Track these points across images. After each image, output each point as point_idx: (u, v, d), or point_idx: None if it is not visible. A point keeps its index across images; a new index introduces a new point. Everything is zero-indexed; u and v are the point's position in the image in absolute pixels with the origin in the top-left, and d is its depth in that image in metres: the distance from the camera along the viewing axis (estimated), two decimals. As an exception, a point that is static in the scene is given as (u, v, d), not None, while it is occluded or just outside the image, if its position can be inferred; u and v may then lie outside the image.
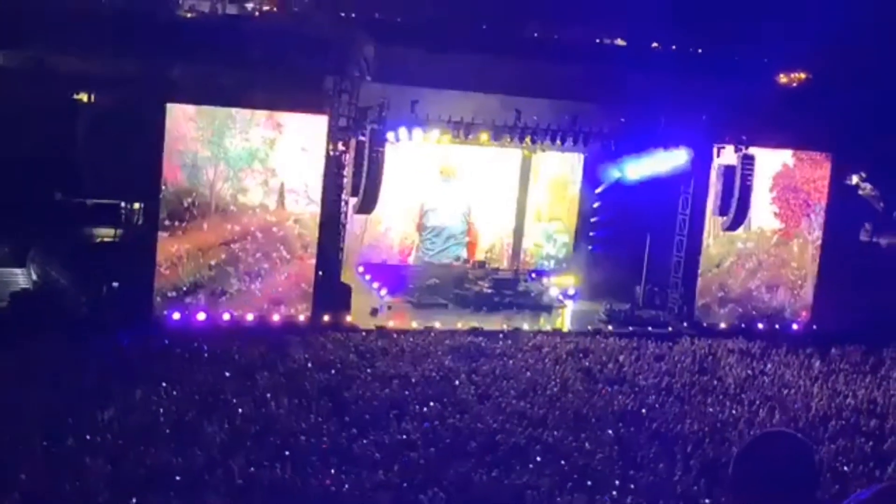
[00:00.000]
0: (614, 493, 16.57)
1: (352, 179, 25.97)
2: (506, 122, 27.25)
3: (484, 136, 27.38)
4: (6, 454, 15.98)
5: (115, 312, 23.14)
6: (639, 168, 29.24)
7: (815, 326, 30.24)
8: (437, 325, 26.96)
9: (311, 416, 18.87)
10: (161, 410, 18.57)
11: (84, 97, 27.80)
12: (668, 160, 28.97)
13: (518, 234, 32.21)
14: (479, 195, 31.23)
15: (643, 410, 21.15)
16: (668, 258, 30.00)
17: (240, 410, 18.99)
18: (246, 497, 15.51)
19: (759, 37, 30.52)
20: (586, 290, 31.27)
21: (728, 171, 28.75)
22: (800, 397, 22.97)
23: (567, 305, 30.76)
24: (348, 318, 26.29)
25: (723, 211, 29.00)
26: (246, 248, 25.48)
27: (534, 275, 31.55)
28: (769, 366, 25.55)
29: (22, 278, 25.16)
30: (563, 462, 17.76)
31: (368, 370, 22.28)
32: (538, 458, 17.87)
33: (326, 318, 25.96)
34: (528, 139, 27.74)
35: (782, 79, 34.45)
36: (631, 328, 28.40)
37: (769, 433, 3.86)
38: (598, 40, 33.07)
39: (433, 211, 30.98)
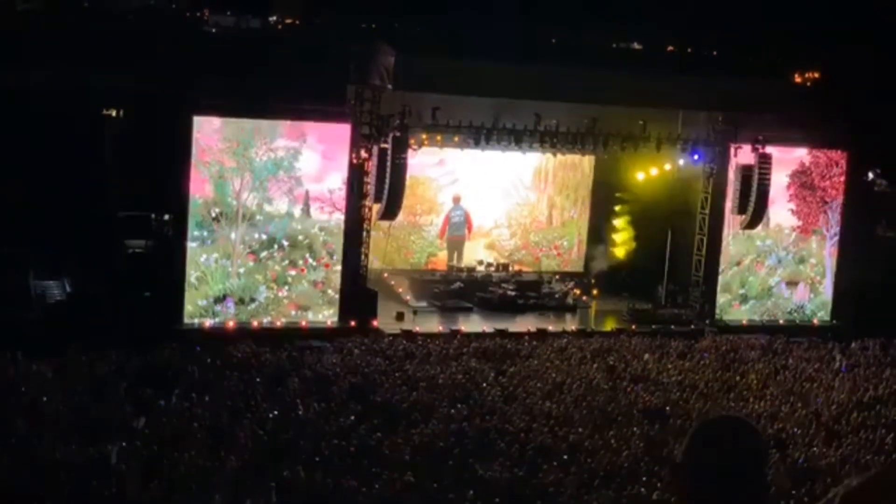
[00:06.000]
0: (641, 489, 16.78)
1: (375, 186, 26.35)
2: (526, 126, 27.62)
3: (504, 141, 27.70)
4: (42, 463, 16.37)
5: (148, 322, 23.53)
6: (657, 169, 29.50)
7: (834, 321, 30.51)
8: (463, 328, 27.30)
9: (340, 420, 19.20)
10: (194, 417, 18.97)
11: (113, 112, 28.27)
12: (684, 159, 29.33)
13: (537, 237, 32.74)
14: (491, 199, 31.94)
15: (667, 408, 21.42)
16: (688, 257, 30.23)
17: (270, 415, 19.38)
18: (279, 500, 15.86)
19: (774, 37, 30.77)
20: (607, 291, 31.58)
21: (746, 171, 29.03)
22: (822, 391, 23.22)
23: (591, 306, 31.02)
24: (375, 324, 26.61)
25: (741, 209, 29.29)
26: (273, 256, 25.91)
27: (557, 276, 31.82)
28: (790, 361, 25.76)
29: (57, 290, 25.59)
30: (589, 460, 18.03)
31: (396, 374, 22.60)
32: (565, 457, 18.12)
33: (353, 323, 26.28)
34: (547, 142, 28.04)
35: (797, 78, 34.68)
36: (654, 327, 28.65)
37: (719, 418, 3.92)
38: (614, 45, 33.40)
39: (453, 218, 31.69)
